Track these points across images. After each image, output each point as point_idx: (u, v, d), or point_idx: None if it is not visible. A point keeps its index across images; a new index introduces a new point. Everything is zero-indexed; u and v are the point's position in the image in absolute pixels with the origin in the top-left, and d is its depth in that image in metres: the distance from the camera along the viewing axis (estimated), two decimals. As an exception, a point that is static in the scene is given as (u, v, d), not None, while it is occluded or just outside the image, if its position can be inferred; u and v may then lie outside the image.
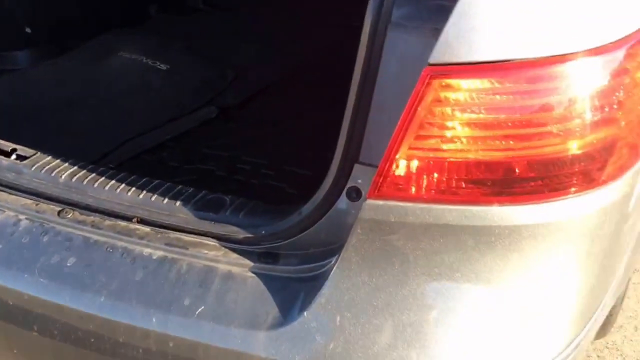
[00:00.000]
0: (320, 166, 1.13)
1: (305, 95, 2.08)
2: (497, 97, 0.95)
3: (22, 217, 1.26)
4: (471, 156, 0.98)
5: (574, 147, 0.97)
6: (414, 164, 0.99)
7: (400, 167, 0.99)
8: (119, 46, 2.29)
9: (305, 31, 2.45)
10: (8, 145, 1.37)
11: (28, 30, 2.26)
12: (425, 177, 0.99)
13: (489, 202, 0.99)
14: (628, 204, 1.10)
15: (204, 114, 2.07)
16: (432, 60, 0.94)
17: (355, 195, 1.08)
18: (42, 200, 1.29)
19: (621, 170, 1.03)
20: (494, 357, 1.03)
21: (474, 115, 0.96)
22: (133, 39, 2.36)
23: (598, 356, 2.11)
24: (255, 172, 1.76)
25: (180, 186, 1.27)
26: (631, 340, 2.17)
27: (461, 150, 0.98)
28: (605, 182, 1.01)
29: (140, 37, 2.40)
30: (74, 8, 2.32)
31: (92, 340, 1.17)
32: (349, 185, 1.09)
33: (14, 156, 1.36)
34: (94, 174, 1.29)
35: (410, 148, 0.98)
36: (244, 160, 1.85)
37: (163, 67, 2.22)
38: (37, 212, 1.27)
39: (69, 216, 1.26)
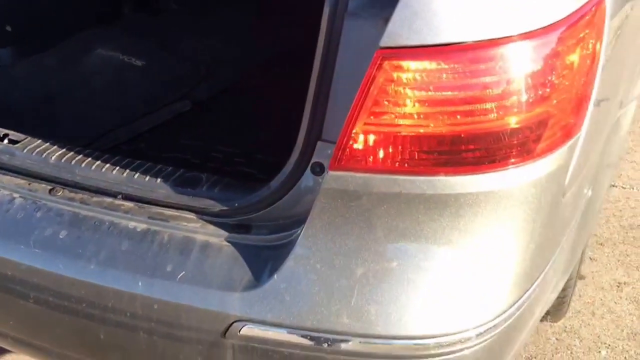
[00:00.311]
0: (288, 154, 1.22)
1: (274, 88, 2.16)
2: (443, 76, 1.05)
3: (16, 195, 1.34)
4: (421, 130, 1.08)
5: (511, 122, 1.07)
6: (370, 138, 1.08)
7: (357, 142, 1.08)
8: (96, 44, 2.35)
9: (274, 29, 2.54)
10: (0, 131, 1.43)
11: (8, 28, 2.28)
12: (379, 150, 1.09)
13: (436, 173, 1.09)
14: (564, 176, 1.19)
15: (178, 108, 2.15)
16: (382, 44, 1.03)
17: (319, 169, 1.17)
18: (34, 180, 1.36)
19: (555, 144, 1.12)
20: (441, 309, 1.12)
21: (422, 93, 1.06)
22: (109, 37, 2.41)
23: (557, 339, 2.20)
24: (228, 160, 1.84)
25: (160, 165, 1.35)
26: (588, 325, 2.27)
27: (412, 125, 1.08)
28: (539, 155, 1.11)
29: (116, 35, 2.45)
30: (53, 7, 2.35)
31: (84, 305, 1.24)
32: (313, 160, 1.17)
33: (6, 140, 1.43)
34: (81, 156, 1.37)
35: (365, 124, 1.07)
36: (217, 149, 1.92)
37: (138, 63, 2.30)
38: (30, 190, 1.35)
39: (60, 194, 1.34)
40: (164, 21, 2.73)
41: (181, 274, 1.19)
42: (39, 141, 1.41)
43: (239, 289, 1.16)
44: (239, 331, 1.15)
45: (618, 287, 2.42)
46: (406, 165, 1.09)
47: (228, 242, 1.22)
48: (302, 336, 1.13)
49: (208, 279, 1.18)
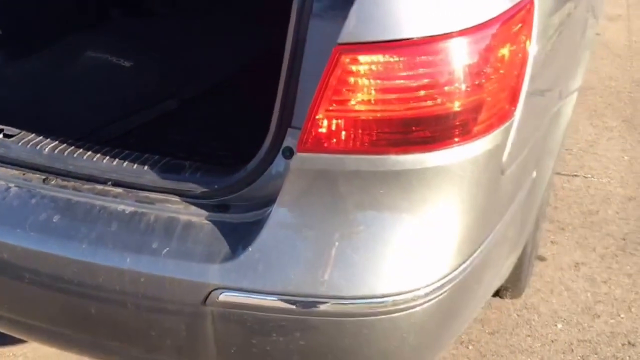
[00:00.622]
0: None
1: (256, 86, 2.26)
2: (394, 67, 1.18)
3: (11, 185, 1.42)
4: (376, 115, 1.20)
5: (451, 107, 1.19)
6: (331, 123, 1.20)
7: (321, 126, 1.20)
8: (85, 46, 2.44)
9: (256, 31, 2.64)
10: None
11: None
12: (340, 133, 1.21)
13: (390, 152, 1.21)
14: (501, 155, 1.32)
15: (165, 106, 2.26)
16: (340, 40, 1.16)
17: (289, 153, 1.27)
18: (28, 170, 1.44)
19: (490, 127, 1.25)
20: (396, 271, 1.24)
21: (376, 82, 1.18)
22: (98, 40, 2.51)
23: (517, 315, 2.31)
24: (212, 154, 1.94)
25: (147, 155, 1.45)
26: (547, 302, 2.40)
27: (368, 111, 1.20)
28: (477, 136, 1.23)
29: (105, 37, 2.54)
30: (43, 11, 2.41)
31: (76, 282, 1.33)
32: (284, 145, 1.28)
33: (1, 135, 1.51)
34: (72, 147, 1.46)
35: (327, 110, 1.19)
36: (202, 144, 2.03)
37: (127, 64, 2.40)
38: (25, 180, 1.43)
39: (53, 182, 1.42)
40: (152, 24, 2.81)
41: (166, 250, 1.29)
42: (33, 135, 1.49)
43: (218, 261, 1.26)
44: (218, 298, 1.25)
45: (576, 267, 2.56)
46: (364, 146, 1.21)
47: (208, 220, 1.33)
48: (274, 300, 1.25)
49: (190, 253, 1.29)
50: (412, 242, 1.26)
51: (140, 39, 2.59)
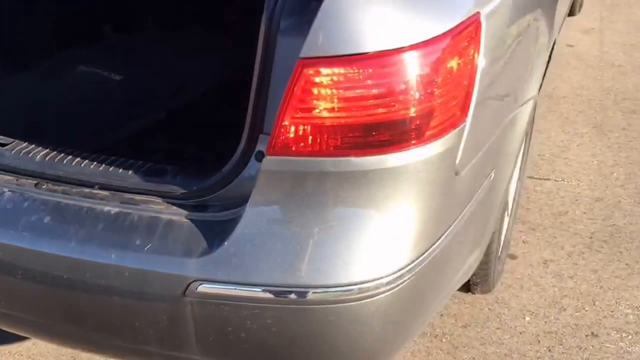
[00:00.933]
0: None
1: (236, 98, 2.36)
2: (353, 79, 1.27)
3: (5, 189, 1.50)
4: (339, 121, 1.29)
5: (405, 114, 1.29)
6: (296, 128, 1.30)
7: (287, 132, 1.30)
8: (78, 61, 2.53)
9: (238, 46, 2.73)
10: None
11: None
12: (305, 138, 1.30)
13: (351, 154, 1.30)
14: (455, 157, 1.41)
15: (153, 117, 2.35)
16: (302, 55, 1.25)
17: (261, 157, 1.36)
18: (21, 176, 1.52)
19: (442, 132, 1.34)
20: (360, 262, 1.32)
21: (336, 92, 1.27)
22: (91, 55, 2.60)
23: (489, 309, 2.39)
24: (197, 159, 2.03)
25: (131, 160, 1.54)
26: (516, 297, 2.47)
27: (330, 118, 1.29)
28: (429, 140, 1.32)
29: (97, 52, 2.63)
30: (38, 28, 2.47)
31: (65, 277, 1.41)
32: (256, 150, 1.38)
33: None
34: (62, 154, 1.55)
35: (292, 117, 1.29)
36: (187, 151, 2.12)
37: (117, 77, 2.49)
38: (18, 185, 1.51)
39: (44, 187, 1.50)
40: (142, 39, 2.89)
41: (148, 246, 1.38)
42: (25, 143, 1.57)
43: (196, 255, 1.35)
44: (196, 289, 1.34)
45: (545, 264, 2.64)
46: (329, 149, 1.30)
47: (188, 219, 1.41)
48: (247, 290, 1.33)
49: (170, 249, 1.37)
50: (375, 236, 1.35)
51: (131, 54, 2.68)
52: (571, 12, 5.27)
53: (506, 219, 2.56)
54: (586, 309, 2.42)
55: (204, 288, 1.34)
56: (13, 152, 1.55)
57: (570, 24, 5.23)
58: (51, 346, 2.19)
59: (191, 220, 1.41)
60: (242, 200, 1.39)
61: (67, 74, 2.43)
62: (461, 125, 1.39)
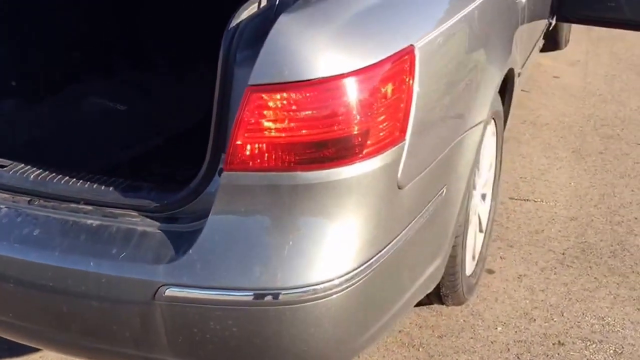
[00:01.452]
0: None
1: None
2: (296, 103, 1.36)
3: (2, 206, 1.60)
4: (285, 140, 1.38)
5: (347, 133, 1.37)
6: (253, 147, 1.39)
7: (241, 150, 1.39)
8: (89, 93, 2.65)
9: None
10: None
11: (13, 83, 2.50)
12: (257, 155, 1.39)
13: (300, 169, 1.39)
14: (396, 171, 1.48)
15: (152, 143, 2.46)
16: (250, 82, 1.35)
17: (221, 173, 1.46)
18: (16, 194, 1.62)
19: (380, 149, 1.43)
20: (311, 266, 1.40)
21: (283, 114, 1.37)
22: (100, 87, 2.72)
23: (464, 320, 2.42)
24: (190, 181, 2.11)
25: (113, 178, 1.64)
26: (491, 309, 2.51)
27: (277, 137, 1.38)
28: (368, 156, 1.41)
29: (106, 85, 2.76)
30: (53, 63, 2.61)
31: (51, 284, 1.49)
32: (219, 167, 1.47)
33: None
34: (53, 174, 1.65)
35: (244, 137, 1.37)
36: (181, 173, 2.21)
37: (122, 107, 2.61)
38: (14, 202, 1.61)
39: (36, 203, 1.60)
40: (148, 73, 3.01)
41: (123, 254, 1.46)
42: (22, 165, 1.67)
43: (164, 262, 1.43)
44: (164, 293, 1.42)
45: (519, 278, 2.68)
46: (279, 164, 1.39)
47: (160, 230, 1.50)
48: (209, 293, 1.41)
49: (142, 257, 1.46)
50: (325, 242, 1.42)
51: (137, 87, 2.80)
52: (558, 46, 5.35)
53: (480, 236, 2.62)
54: (555, 319, 2.45)
55: (171, 292, 1.41)
56: (10, 172, 1.65)
57: (558, 57, 5.31)
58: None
59: (162, 230, 1.50)
60: (207, 213, 1.47)
61: (78, 105, 2.55)
62: (400, 144, 1.47)
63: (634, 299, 2.56)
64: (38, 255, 1.50)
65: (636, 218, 3.11)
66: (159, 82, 2.93)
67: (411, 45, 1.52)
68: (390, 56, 1.44)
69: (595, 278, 2.68)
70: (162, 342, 1.47)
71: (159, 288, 1.42)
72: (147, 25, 3.00)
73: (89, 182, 1.60)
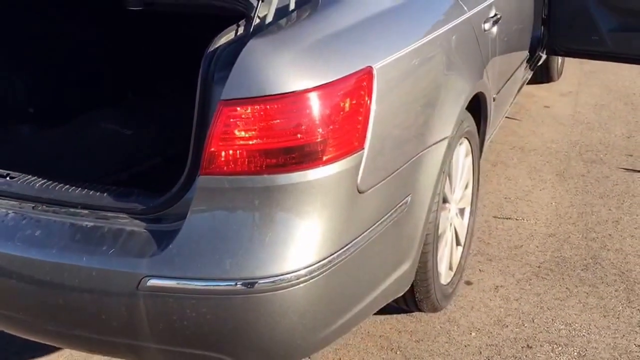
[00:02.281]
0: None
1: None
2: (263, 115, 1.50)
3: (10, 211, 1.74)
4: (253, 148, 1.51)
5: (310, 141, 1.50)
6: (222, 154, 1.52)
7: (214, 156, 1.52)
8: (100, 119, 2.83)
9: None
10: (3, 172, 1.85)
11: (31, 110, 2.68)
12: (229, 160, 1.52)
13: (264, 173, 1.52)
14: (355, 177, 1.60)
15: (151, 163, 2.61)
16: (222, 97, 1.49)
17: None
18: (23, 200, 1.77)
19: (341, 155, 1.55)
20: (277, 257, 1.52)
21: (251, 126, 1.50)
22: (110, 114, 2.90)
23: (440, 327, 2.50)
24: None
25: (107, 186, 1.78)
26: (466, 316, 2.56)
27: (247, 145, 1.51)
28: (331, 161, 1.53)
29: (116, 112, 2.93)
30: (68, 93, 2.78)
31: (48, 279, 1.63)
32: (197, 174, 1.61)
33: (7, 177, 1.84)
34: (55, 183, 1.80)
35: (217, 145, 1.51)
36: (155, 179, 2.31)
37: (128, 132, 2.78)
38: (20, 207, 1.75)
39: (39, 209, 1.74)
40: (156, 102, 3.18)
41: (112, 250, 1.60)
42: (29, 176, 1.82)
43: (147, 256, 1.56)
44: (147, 283, 1.55)
45: (495, 289, 2.77)
46: (249, 169, 1.52)
47: (145, 229, 1.63)
48: (185, 283, 1.53)
49: (129, 252, 1.59)
50: (289, 237, 1.54)
51: (144, 114, 2.97)
52: (550, 79, 5.47)
53: (459, 249, 2.72)
54: (525, 325, 2.53)
55: (153, 282, 1.54)
56: (18, 182, 1.81)
57: (550, 89, 5.42)
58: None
59: (148, 230, 1.63)
60: (187, 214, 1.60)
61: (89, 130, 2.73)
62: (359, 152, 1.60)
63: (601, 307, 2.63)
64: (38, 253, 1.64)
65: (610, 235, 3.18)
66: (160, 110, 3.10)
67: (370, 66, 1.66)
68: (349, 75, 1.57)
69: (567, 288, 2.76)
70: (144, 330, 1.59)
71: (142, 279, 1.54)
72: (151, 60, 3.18)
73: (85, 190, 1.74)
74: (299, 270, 1.52)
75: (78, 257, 1.60)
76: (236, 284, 1.51)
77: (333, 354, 2.40)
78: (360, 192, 1.63)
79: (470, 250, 2.98)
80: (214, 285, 1.52)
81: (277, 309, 1.55)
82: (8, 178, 1.84)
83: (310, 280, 1.54)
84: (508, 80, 3.14)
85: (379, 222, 1.75)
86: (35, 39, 2.69)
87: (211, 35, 1.62)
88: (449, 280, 2.59)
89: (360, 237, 1.66)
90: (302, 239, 1.53)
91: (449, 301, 2.59)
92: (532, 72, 4.39)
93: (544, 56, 4.66)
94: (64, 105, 2.81)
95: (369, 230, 1.70)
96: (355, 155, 1.58)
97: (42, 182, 1.78)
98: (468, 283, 2.80)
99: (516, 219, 3.33)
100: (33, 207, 1.75)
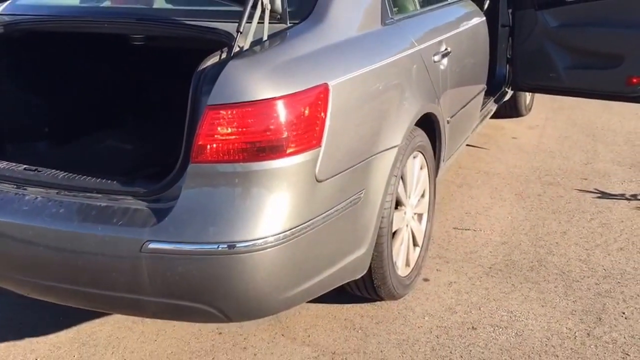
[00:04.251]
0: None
1: None
2: (240, 117, 1.97)
3: (38, 196, 2.16)
4: (232, 141, 1.98)
5: (275, 138, 1.98)
6: (207, 147, 2.00)
7: (202, 147, 1.99)
8: (104, 138, 3.34)
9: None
10: (32, 167, 2.31)
11: (46, 129, 3.10)
12: (213, 152, 1.99)
13: (240, 161, 1.98)
14: (313, 168, 2.05)
15: (145, 171, 3.07)
16: (208, 102, 1.97)
17: None
18: (48, 188, 2.20)
19: (302, 150, 2.00)
20: (253, 225, 1.96)
21: (231, 124, 1.99)
22: (112, 134, 3.39)
23: (398, 312, 2.89)
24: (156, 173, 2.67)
25: (116, 176, 2.25)
26: (422, 305, 2.96)
27: (227, 140, 1.98)
28: (293, 154, 1.99)
29: (117, 132, 3.43)
30: (77, 116, 3.25)
31: (69, 246, 2.06)
32: (189, 162, 2.08)
33: (36, 170, 2.29)
34: (75, 174, 2.28)
35: (203, 140, 1.98)
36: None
37: (129, 147, 3.27)
38: (47, 193, 2.18)
39: (62, 194, 2.16)
40: (154, 122, 3.67)
41: (120, 222, 2.06)
42: (54, 170, 2.27)
43: (148, 226, 2.02)
44: (148, 246, 2.00)
45: (449, 284, 3.20)
46: (230, 158, 1.98)
47: (147, 207, 2.08)
48: (177, 246, 1.99)
49: (134, 224, 2.04)
50: (261, 210, 1.98)
51: (143, 132, 3.48)
52: (519, 113, 5.99)
53: (417, 249, 3.17)
54: (472, 312, 2.96)
55: (152, 246, 1.99)
56: (46, 174, 2.28)
57: (520, 122, 5.94)
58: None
59: (149, 208, 2.09)
60: (179, 195, 2.07)
61: (97, 146, 3.21)
62: (316, 149, 2.07)
63: (540, 299, 3.06)
64: (62, 225, 2.09)
65: (557, 243, 3.63)
66: (156, 129, 3.60)
67: (326, 83, 2.15)
68: (309, 88, 2.05)
69: (512, 284, 3.20)
70: (145, 285, 2.04)
71: (144, 243, 2.00)
72: (145, 90, 3.70)
73: (99, 179, 2.22)
74: (267, 237, 1.97)
75: (94, 227, 2.05)
76: (217, 247, 1.96)
77: (303, 332, 2.83)
78: (318, 181, 2.10)
79: (430, 254, 3.42)
80: (200, 248, 1.97)
81: (250, 268, 2.00)
82: (36, 171, 2.31)
83: (277, 246, 1.99)
84: (463, 107, 3.64)
85: (336, 207, 2.21)
86: (53, 73, 3.21)
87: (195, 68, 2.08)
88: (406, 274, 3.02)
89: (319, 217, 2.12)
90: (270, 213, 1.98)
91: (406, 291, 3.02)
92: (496, 105, 4.90)
93: (509, 92, 5.19)
94: (73, 126, 3.23)
95: (326, 213, 2.16)
96: (313, 151, 2.06)
97: (64, 174, 2.25)
98: (425, 280, 3.24)
99: (474, 230, 3.78)
100: (57, 193, 2.21)
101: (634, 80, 4.42)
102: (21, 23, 2.73)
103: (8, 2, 2.91)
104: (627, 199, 4.21)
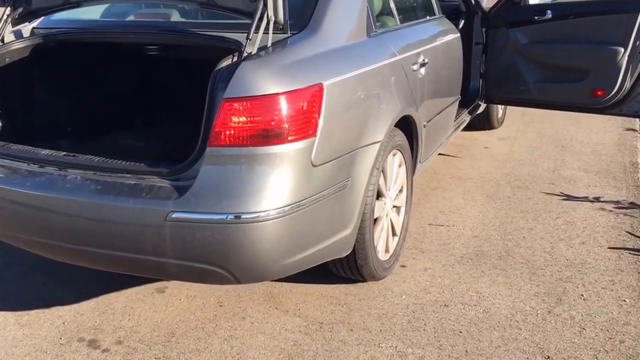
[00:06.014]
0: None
1: None
2: (252, 108, 2.47)
3: (78, 177, 2.63)
4: (244, 128, 2.48)
5: (278, 127, 2.47)
6: (222, 133, 2.48)
7: (217, 134, 2.48)
8: (121, 137, 3.80)
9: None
10: (71, 153, 2.78)
11: (69, 129, 3.54)
12: (228, 137, 2.48)
13: (249, 145, 2.47)
14: (309, 154, 2.53)
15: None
16: (225, 96, 2.46)
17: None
18: (85, 170, 2.65)
19: (300, 138, 2.46)
20: (259, 199, 2.42)
21: (244, 114, 2.48)
22: (127, 133, 3.87)
23: (378, 292, 3.35)
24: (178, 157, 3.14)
25: (143, 159, 2.73)
26: (399, 286, 3.43)
27: (239, 127, 2.47)
28: (294, 141, 2.47)
29: (130, 132, 3.92)
30: (96, 118, 3.72)
31: (105, 216, 2.55)
32: (207, 146, 2.57)
33: (74, 155, 2.76)
34: (108, 159, 2.75)
35: (219, 127, 2.45)
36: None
37: (142, 144, 3.75)
38: (84, 174, 2.64)
39: (98, 174, 2.63)
40: (161, 124, 4.15)
41: (148, 196, 2.53)
42: (89, 155, 2.72)
43: (172, 199, 2.48)
44: (172, 216, 2.47)
45: (425, 270, 3.68)
46: (242, 142, 2.46)
47: (170, 185, 2.54)
48: (196, 215, 2.45)
49: (160, 197, 2.49)
50: (264, 187, 2.44)
51: (151, 132, 3.96)
52: (491, 126, 6.56)
53: (395, 238, 3.66)
54: (445, 292, 3.44)
55: (175, 215, 2.45)
56: (82, 159, 2.72)
57: (492, 134, 6.49)
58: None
59: (172, 185, 2.55)
60: (198, 174, 2.55)
61: (112, 144, 3.69)
62: (312, 138, 2.55)
63: (507, 283, 3.53)
64: (99, 199, 2.55)
65: (524, 237, 4.12)
66: (162, 130, 4.09)
67: (321, 82, 2.66)
68: (307, 87, 2.54)
69: (482, 271, 3.68)
70: (168, 248, 2.50)
71: (168, 213, 2.47)
72: (158, 94, 4.19)
73: (129, 162, 2.69)
74: (269, 210, 2.45)
75: (127, 200, 2.52)
76: (228, 217, 2.43)
77: (294, 306, 3.30)
78: (314, 165, 2.59)
79: (406, 245, 3.90)
80: (214, 218, 2.43)
81: (255, 236, 2.46)
82: (74, 156, 2.77)
83: (277, 219, 2.46)
84: (439, 113, 4.17)
85: (327, 189, 2.69)
86: (76, 80, 3.69)
87: (202, 78, 2.52)
88: (386, 259, 3.50)
89: (314, 196, 2.60)
90: (272, 190, 2.45)
91: (385, 274, 3.49)
92: (470, 116, 5.44)
93: (483, 105, 5.74)
94: (93, 126, 3.69)
95: (319, 194, 2.64)
96: (310, 139, 2.55)
97: (99, 158, 2.72)
98: (403, 266, 3.72)
99: (447, 226, 4.27)
100: (93, 174, 2.68)
101: (599, 92, 4.91)
102: (57, 35, 3.21)
103: (42, 17, 3.39)
104: (590, 200, 4.73)
